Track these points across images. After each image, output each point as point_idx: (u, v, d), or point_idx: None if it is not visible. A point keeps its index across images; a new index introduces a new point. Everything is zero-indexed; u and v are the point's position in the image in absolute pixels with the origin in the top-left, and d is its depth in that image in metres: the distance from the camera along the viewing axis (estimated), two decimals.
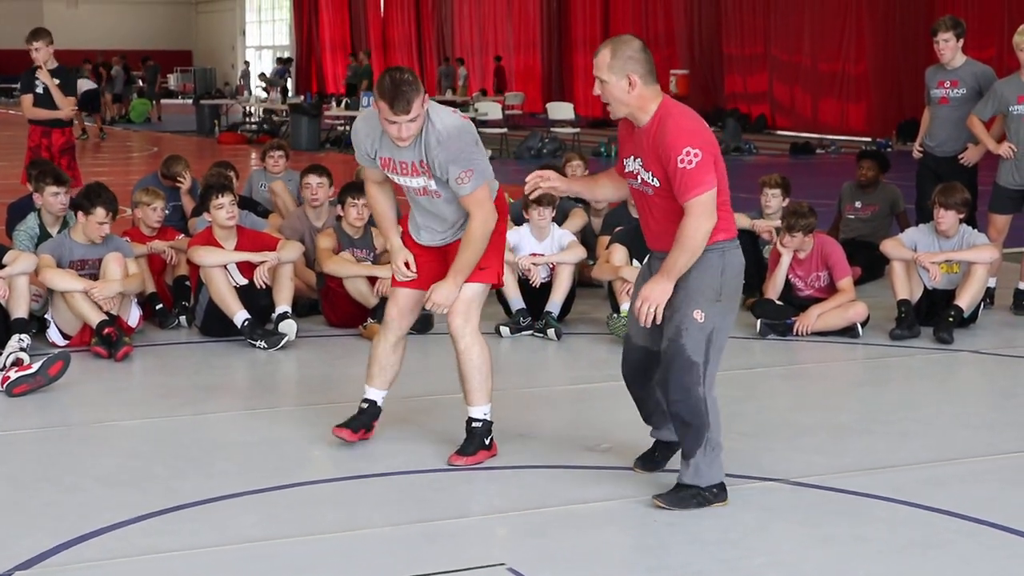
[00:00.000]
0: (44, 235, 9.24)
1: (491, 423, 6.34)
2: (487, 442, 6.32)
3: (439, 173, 5.95)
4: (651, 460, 6.12)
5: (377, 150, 6.07)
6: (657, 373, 5.71)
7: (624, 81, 5.47)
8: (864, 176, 11.60)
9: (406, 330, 6.41)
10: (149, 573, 4.92)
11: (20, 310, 8.30)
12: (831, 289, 9.23)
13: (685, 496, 5.62)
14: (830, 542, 5.27)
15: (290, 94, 38.84)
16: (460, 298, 6.12)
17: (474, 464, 6.22)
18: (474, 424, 6.30)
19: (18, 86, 16.51)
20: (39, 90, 12.12)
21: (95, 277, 8.59)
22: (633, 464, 6.12)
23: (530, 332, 9.07)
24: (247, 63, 46.03)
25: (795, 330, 9.04)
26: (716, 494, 5.64)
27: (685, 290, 5.53)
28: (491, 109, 29.62)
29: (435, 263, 6.28)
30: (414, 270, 6.22)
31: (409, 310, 6.35)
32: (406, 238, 6.36)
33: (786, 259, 9.23)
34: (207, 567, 4.98)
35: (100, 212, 8.61)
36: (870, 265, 10.81)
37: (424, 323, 8.92)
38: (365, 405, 6.50)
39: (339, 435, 6.45)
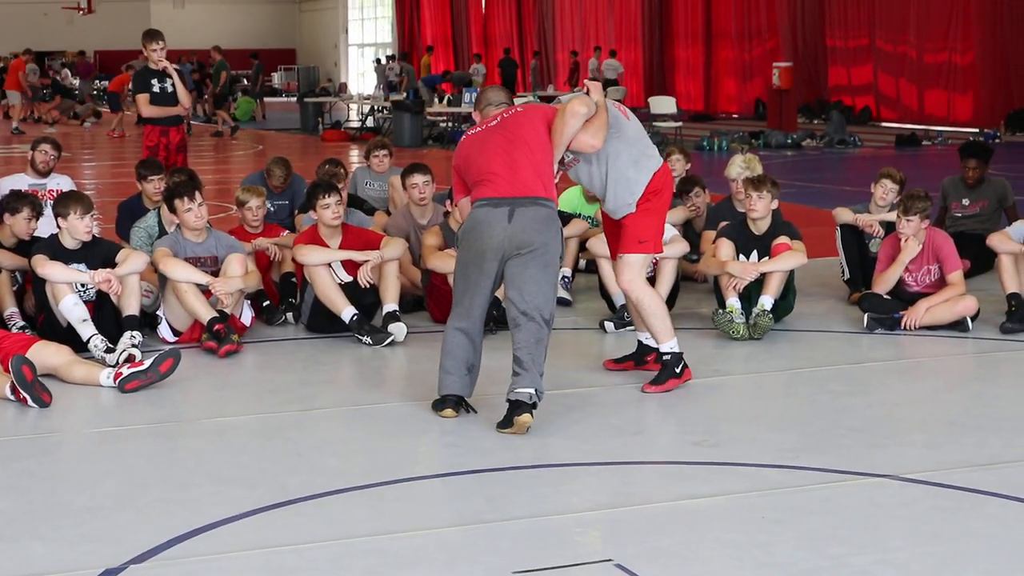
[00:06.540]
0: (162, 233, 9.37)
1: (680, 354, 7.30)
2: (677, 371, 7.30)
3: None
4: None
5: None
6: None
7: None
8: (971, 177, 11.33)
9: None
10: (260, 567, 4.98)
11: (132, 307, 8.41)
12: (940, 285, 9.09)
13: None
14: (940, 539, 5.21)
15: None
16: (626, 263, 7.15)
17: (665, 391, 7.24)
18: (665, 356, 7.27)
19: (129, 87, 16.77)
20: (155, 89, 12.28)
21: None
22: None
23: (634, 328, 9.03)
24: (377, 60, 45.94)
25: (903, 324, 8.92)
26: (435, 401, 6.89)
27: None
28: None
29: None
30: None
31: None
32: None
33: (907, 254, 9.07)
34: (316, 562, 5.03)
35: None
36: (979, 259, 10.64)
37: None
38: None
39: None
